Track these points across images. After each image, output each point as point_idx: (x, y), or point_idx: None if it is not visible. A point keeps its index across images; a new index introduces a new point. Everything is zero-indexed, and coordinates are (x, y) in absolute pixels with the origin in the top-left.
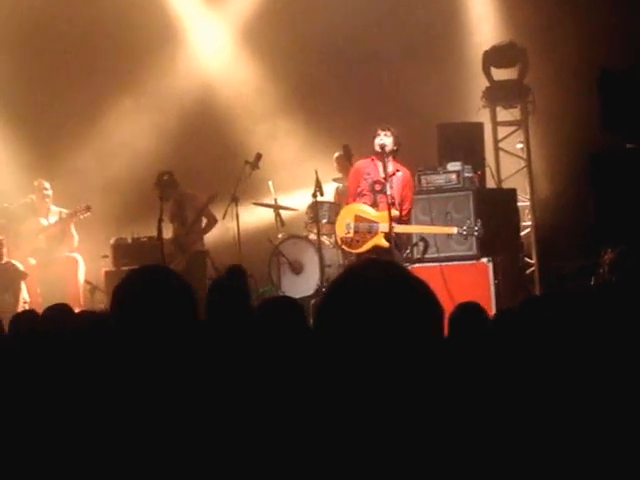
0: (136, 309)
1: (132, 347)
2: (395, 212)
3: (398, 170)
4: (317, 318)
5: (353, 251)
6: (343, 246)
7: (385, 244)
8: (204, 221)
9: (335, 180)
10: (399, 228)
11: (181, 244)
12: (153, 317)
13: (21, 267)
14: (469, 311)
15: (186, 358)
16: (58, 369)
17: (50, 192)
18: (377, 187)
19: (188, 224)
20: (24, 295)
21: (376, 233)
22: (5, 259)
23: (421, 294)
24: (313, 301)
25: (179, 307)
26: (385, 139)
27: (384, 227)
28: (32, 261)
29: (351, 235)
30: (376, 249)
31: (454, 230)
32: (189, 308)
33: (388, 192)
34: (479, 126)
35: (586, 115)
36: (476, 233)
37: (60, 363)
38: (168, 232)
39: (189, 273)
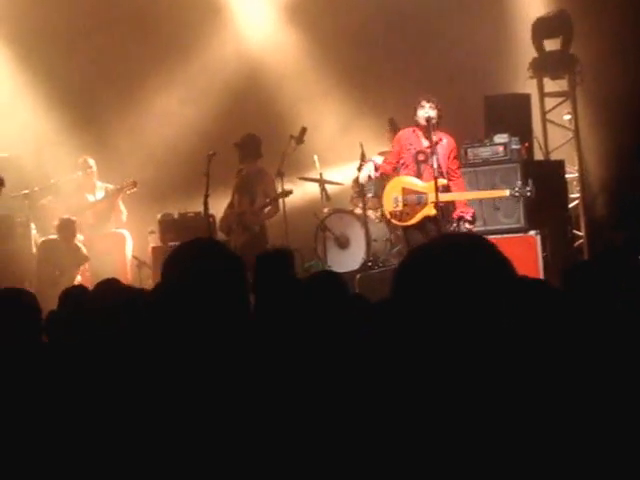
0: (186, 282)
1: (181, 320)
2: (442, 181)
3: (441, 138)
4: (399, 286)
5: (403, 224)
6: (392, 220)
7: (435, 213)
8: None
9: (381, 154)
10: (449, 196)
11: (246, 223)
12: (203, 290)
13: (85, 250)
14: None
15: (237, 332)
16: (106, 346)
17: (95, 168)
18: (421, 157)
19: (258, 206)
20: (78, 278)
21: (425, 204)
22: (76, 241)
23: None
24: (359, 275)
25: (230, 280)
26: (430, 111)
27: (433, 197)
28: (80, 237)
29: (400, 208)
30: (425, 220)
31: (506, 192)
32: (240, 281)
33: (435, 164)
34: (526, 97)
35: (635, 85)
36: (528, 193)
37: (108, 341)
38: (218, 201)
39: (248, 248)
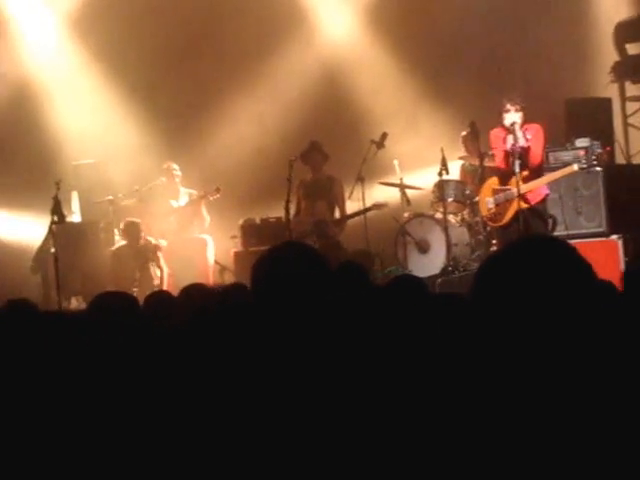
0: (279, 285)
1: (277, 322)
2: (524, 173)
3: (526, 129)
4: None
5: (499, 224)
6: (489, 223)
7: (525, 204)
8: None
9: (461, 158)
10: (527, 186)
11: (328, 231)
12: (296, 292)
13: (154, 240)
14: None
15: (330, 331)
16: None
17: (179, 174)
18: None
19: (342, 217)
20: (163, 266)
21: (513, 198)
22: (142, 239)
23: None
24: (440, 280)
25: (320, 283)
26: (514, 115)
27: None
28: (163, 242)
29: (493, 209)
30: (517, 217)
31: (575, 167)
32: (328, 284)
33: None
34: (607, 101)
35: None
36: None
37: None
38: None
39: (325, 253)
